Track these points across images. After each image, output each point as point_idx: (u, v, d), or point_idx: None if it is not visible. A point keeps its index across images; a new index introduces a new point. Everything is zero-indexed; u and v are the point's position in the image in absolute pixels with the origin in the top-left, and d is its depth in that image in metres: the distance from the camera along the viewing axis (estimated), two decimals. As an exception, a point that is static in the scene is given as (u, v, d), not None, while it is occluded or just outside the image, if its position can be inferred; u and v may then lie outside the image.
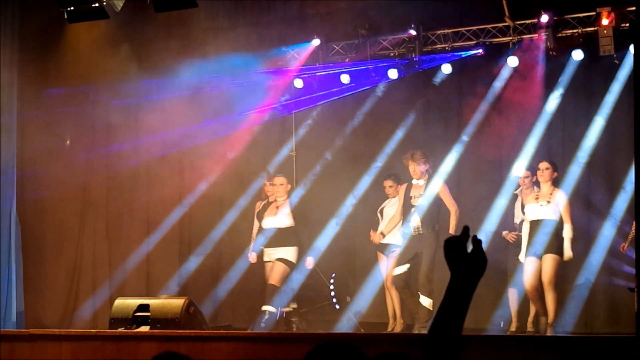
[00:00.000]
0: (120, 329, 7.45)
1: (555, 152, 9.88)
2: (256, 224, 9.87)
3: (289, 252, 9.32)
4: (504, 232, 9.18)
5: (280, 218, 9.45)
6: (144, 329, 7.44)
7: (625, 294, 8.27)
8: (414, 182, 8.94)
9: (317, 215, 10.47)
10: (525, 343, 6.57)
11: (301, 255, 9.50)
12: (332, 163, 10.67)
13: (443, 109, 10.53)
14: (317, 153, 10.80)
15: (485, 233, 9.26)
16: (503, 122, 10.20)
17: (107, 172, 10.88)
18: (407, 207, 8.90)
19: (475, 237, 2.59)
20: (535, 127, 9.82)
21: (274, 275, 9.26)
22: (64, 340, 7.24)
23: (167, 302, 7.62)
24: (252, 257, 9.53)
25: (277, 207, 9.53)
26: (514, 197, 9.33)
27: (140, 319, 7.54)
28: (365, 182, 10.51)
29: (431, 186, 8.84)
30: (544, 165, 8.70)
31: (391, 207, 9.40)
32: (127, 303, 7.72)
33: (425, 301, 8.58)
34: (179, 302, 7.57)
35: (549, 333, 8.42)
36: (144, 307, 7.58)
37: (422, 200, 8.79)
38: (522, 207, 8.91)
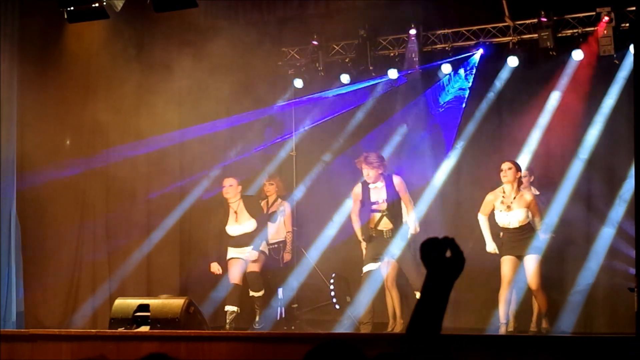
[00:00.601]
0: (120, 329, 7.45)
1: (555, 152, 9.88)
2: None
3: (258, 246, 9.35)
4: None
5: (243, 225, 9.38)
6: (144, 329, 7.45)
7: (625, 294, 8.26)
8: (371, 185, 8.69)
9: (317, 215, 10.48)
10: (525, 343, 6.57)
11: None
12: (332, 163, 10.67)
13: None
14: (317, 153, 10.80)
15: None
16: (503, 122, 10.20)
17: (107, 172, 10.87)
18: (367, 210, 8.70)
19: (453, 240, 2.62)
20: (535, 127, 9.81)
21: (251, 264, 9.29)
22: (64, 340, 7.25)
23: (167, 302, 7.62)
24: (216, 267, 9.42)
25: (236, 213, 9.41)
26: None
27: (140, 319, 7.54)
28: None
29: (390, 186, 8.64)
30: (506, 165, 8.55)
31: None
32: (127, 303, 7.72)
33: None
34: (179, 302, 7.57)
35: (544, 325, 8.51)
36: (144, 307, 7.58)
37: (388, 204, 8.61)
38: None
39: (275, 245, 9.88)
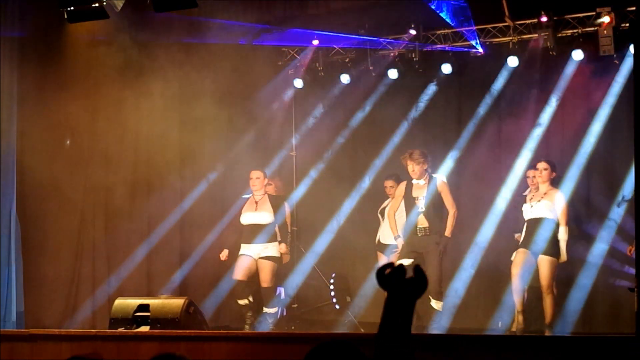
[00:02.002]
0: (120, 329, 7.44)
1: (555, 152, 9.88)
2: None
3: (273, 249, 9.20)
4: (516, 235, 9.14)
5: (260, 214, 9.31)
6: (144, 329, 7.44)
7: (625, 294, 8.26)
8: (414, 181, 8.75)
9: (317, 215, 10.48)
10: (525, 343, 6.57)
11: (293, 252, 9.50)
12: (332, 163, 10.67)
13: (443, 109, 10.53)
14: (317, 153, 10.79)
15: (484, 234, 9.25)
16: (503, 122, 10.20)
17: (107, 172, 10.88)
18: (410, 207, 8.72)
19: (417, 265, 2.69)
20: (535, 127, 9.82)
21: (264, 276, 9.13)
22: (64, 340, 7.25)
23: (167, 302, 7.62)
24: (224, 254, 9.38)
25: (256, 202, 9.38)
26: (523, 199, 9.23)
27: (140, 319, 7.53)
28: (365, 182, 10.51)
29: (433, 186, 8.68)
30: (542, 165, 8.61)
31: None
32: (127, 303, 7.72)
33: (437, 304, 8.50)
34: (179, 302, 7.57)
35: (547, 334, 8.40)
36: (144, 307, 7.58)
37: (427, 202, 8.61)
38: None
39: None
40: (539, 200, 8.52)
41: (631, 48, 9.10)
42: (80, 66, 10.74)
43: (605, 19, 9.20)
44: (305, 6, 10.62)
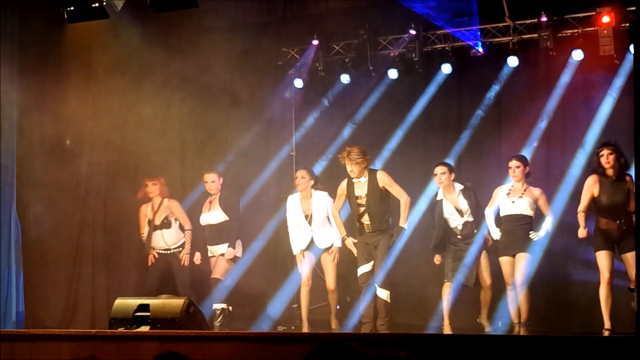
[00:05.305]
0: (120, 329, 7.44)
1: (555, 152, 9.89)
2: (145, 227, 9.87)
3: (226, 249, 9.50)
4: (437, 257, 9.02)
5: (211, 212, 9.63)
6: (144, 329, 7.44)
7: (626, 294, 8.27)
8: (355, 180, 8.69)
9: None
10: (525, 343, 6.57)
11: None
12: (331, 163, 10.66)
13: (443, 109, 10.53)
14: (317, 153, 10.79)
15: (483, 234, 9.24)
16: (502, 122, 10.20)
17: (108, 171, 10.88)
18: (354, 206, 8.72)
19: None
20: (535, 127, 9.82)
21: (216, 268, 9.55)
22: (64, 340, 7.24)
23: (167, 302, 7.62)
24: (197, 258, 9.74)
25: (210, 203, 9.69)
26: (434, 205, 8.99)
27: (140, 319, 7.53)
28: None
29: (374, 182, 8.61)
30: (514, 163, 8.60)
31: (318, 205, 9.24)
32: (127, 303, 7.71)
33: (383, 293, 8.50)
34: (179, 302, 7.57)
35: (522, 333, 8.33)
36: (144, 307, 7.57)
37: (370, 199, 8.59)
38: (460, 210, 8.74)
39: (180, 249, 9.85)
40: (520, 197, 8.50)
41: (631, 48, 9.11)
42: (81, 66, 10.75)
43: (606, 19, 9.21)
44: (305, 6, 10.63)
